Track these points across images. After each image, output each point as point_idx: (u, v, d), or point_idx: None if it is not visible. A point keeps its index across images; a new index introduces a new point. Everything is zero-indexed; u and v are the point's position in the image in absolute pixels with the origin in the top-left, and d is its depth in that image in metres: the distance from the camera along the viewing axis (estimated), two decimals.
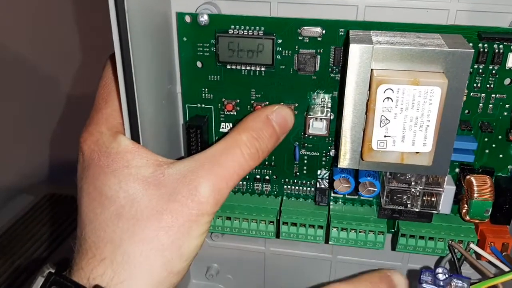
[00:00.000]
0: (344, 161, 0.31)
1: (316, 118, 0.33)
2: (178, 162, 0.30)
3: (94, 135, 0.30)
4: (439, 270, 0.31)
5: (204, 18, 0.33)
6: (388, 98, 0.28)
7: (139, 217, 0.28)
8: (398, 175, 0.33)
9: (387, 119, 0.28)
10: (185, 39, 0.34)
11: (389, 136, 0.29)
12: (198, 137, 0.35)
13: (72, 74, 0.80)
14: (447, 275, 0.32)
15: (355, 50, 0.28)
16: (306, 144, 0.36)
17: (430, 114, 0.28)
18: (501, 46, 0.31)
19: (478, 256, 0.35)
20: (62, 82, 0.81)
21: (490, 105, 0.33)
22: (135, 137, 0.30)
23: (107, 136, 0.30)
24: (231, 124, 0.36)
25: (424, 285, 0.32)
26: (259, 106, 0.35)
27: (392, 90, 0.27)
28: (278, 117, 0.33)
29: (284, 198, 0.39)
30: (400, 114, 0.28)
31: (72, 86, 0.82)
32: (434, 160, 0.29)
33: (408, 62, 0.28)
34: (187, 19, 0.33)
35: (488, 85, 0.32)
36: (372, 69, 0.28)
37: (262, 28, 0.33)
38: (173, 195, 0.28)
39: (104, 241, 0.28)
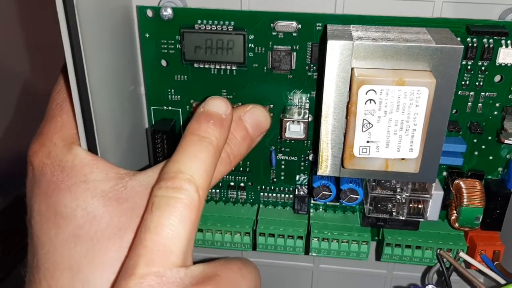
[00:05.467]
0: (324, 169, 0.28)
1: (293, 121, 0.31)
2: (141, 173, 0.27)
3: (46, 146, 0.27)
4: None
5: (167, 12, 0.30)
6: (370, 100, 0.25)
7: (100, 238, 0.25)
8: (383, 181, 0.31)
9: (369, 123, 0.26)
10: (147, 35, 0.31)
11: (372, 142, 0.26)
12: (164, 142, 0.32)
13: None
14: None
15: (333, 47, 0.25)
16: (283, 148, 0.34)
17: (416, 117, 0.25)
18: (491, 40, 0.29)
19: (468, 265, 0.33)
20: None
21: (480, 104, 0.31)
22: (91, 146, 0.28)
23: (61, 147, 0.27)
24: None
25: None
26: None
27: (375, 91, 0.25)
28: (252, 118, 0.30)
29: (261, 206, 0.36)
30: (384, 118, 0.25)
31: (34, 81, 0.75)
32: (421, 166, 0.27)
33: (392, 59, 0.25)
34: (149, 13, 0.30)
35: (477, 83, 0.30)
36: (352, 68, 0.25)
37: (232, 22, 0.30)
38: (136, 210, 0.25)
39: (60, 268, 0.25)
